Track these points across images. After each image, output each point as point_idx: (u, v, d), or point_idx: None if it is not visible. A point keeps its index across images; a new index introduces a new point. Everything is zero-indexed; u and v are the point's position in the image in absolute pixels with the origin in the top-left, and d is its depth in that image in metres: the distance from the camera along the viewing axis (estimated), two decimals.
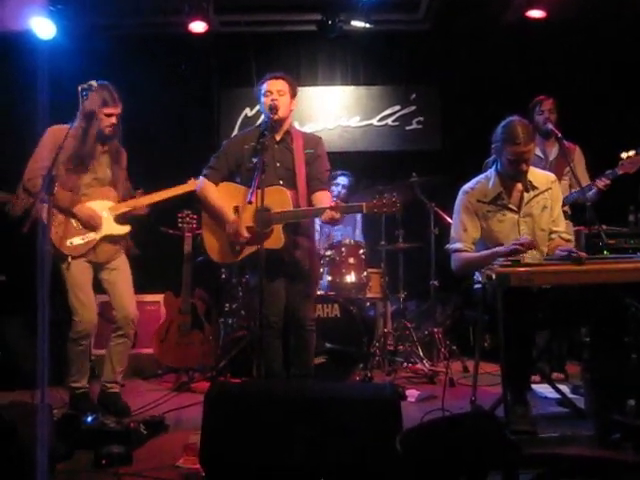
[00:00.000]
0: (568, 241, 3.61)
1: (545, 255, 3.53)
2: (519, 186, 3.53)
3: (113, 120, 3.88)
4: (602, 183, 4.28)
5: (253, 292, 4.18)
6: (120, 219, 3.96)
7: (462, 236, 3.53)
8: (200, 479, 2.62)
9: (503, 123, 3.46)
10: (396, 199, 3.46)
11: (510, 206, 3.51)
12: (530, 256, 3.40)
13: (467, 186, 3.62)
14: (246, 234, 3.66)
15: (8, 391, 4.18)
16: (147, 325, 5.24)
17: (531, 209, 3.53)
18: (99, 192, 3.93)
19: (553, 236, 3.58)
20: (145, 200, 4.00)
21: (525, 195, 3.53)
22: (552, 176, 3.67)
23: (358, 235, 5.87)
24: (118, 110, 3.89)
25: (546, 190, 3.57)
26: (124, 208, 3.95)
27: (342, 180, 5.75)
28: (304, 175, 3.76)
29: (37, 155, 3.81)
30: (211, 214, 3.83)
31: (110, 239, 3.94)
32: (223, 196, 3.81)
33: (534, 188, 3.54)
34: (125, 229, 3.99)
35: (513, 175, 3.48)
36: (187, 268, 4.92)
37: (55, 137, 3.74)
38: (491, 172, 3.59)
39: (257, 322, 3.50)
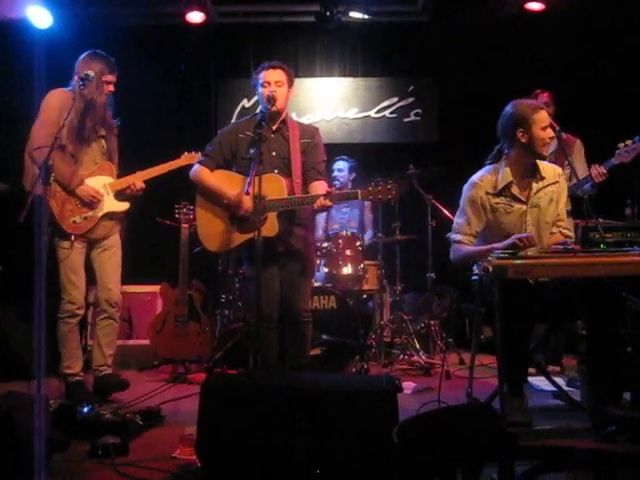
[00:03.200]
0: (568, 237, 3.61)
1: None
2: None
3: (111, 88, 3.90)
4: (595, 172, 4.27)
5: (248, 283, 4.17)
6: (119, 195, 3.96)
7: (465, 228, 3.50)
8: (196, 470, 2.62)
9: (509, 108, 3.45)
10: (392, 186, 3.42)
11: (519, 197, 3.47)
12: (531, 251, 3.40)
13: (476, 177, 3.55)
14: (250, 203, 3.57)
15: (5, 381, 4.18)
16: (143, 316, 5.25)
17: (539, 200, 3.50)
18: (98, 168, 3.93)
19: (554, 230, 3.57)
20: (141, 175, 3.98)
21: (534, 185, 3.50)
22: (559, 169, 3.64)
23: (367, 217, 5.86)
24: (115, 78, 3.90)
25: (554, 183, 3.54)
26: (123, 185, 3.95)
27: (340, 165, 5.75)
28: (300, 164, 3.75)
29: (42, 121, 3.78)
30: (208, 196, 3.80)
31: (110, 215, 3.94)
32: (219, 182, 3.79)
33: (542, 179, 3.51)
34: (125, 205, 3.99)
35: (542, 148, 3.42)
36: (184, 259, 4.91)
37: (59, 100, 3.73)
38: (500, 164, 3.53)
39: (253, 313, 3.49)
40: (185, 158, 4.09)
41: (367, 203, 5.86)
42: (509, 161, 3.50)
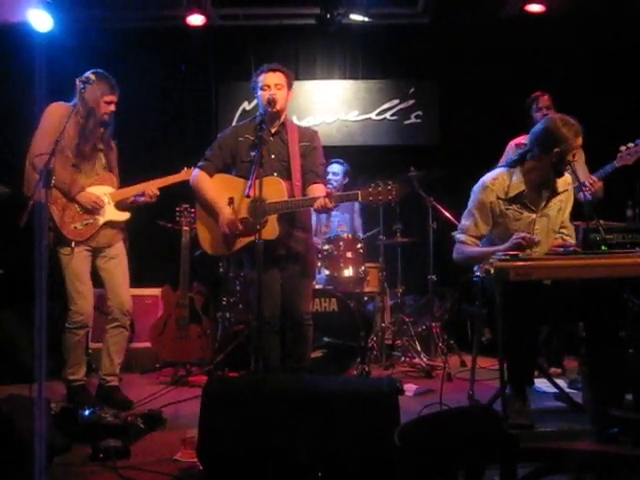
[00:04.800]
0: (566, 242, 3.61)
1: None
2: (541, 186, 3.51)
3: (112, 107, 3.91)
4: (589, 182, 4.26)
5: (249, 286, 4.17)
6: (120, 205, 3.96)
7: (471, 229, 3.50)
8: (198, 473, 2.62)
9: (551, 125, 3.37)
10: (392, 187, 3.41)
11: (529, 206, 3.47)
12: (537, 252, 3.41)
13: (488, 180, 3.51)
14: (241, 227, 3.64)
15: (6, 385, 4.18)
16: (145, 319, 5.24)
17: (549, 210, 3.50)
18: (99, 178, 3.93)
19: (557, 236, 3.58)
20: (139, 188, 3.99)
21: (545, 195, 3.49)
22: (569, 178, 3.59)
23: (357, 221, 5.87)
24: (117, 98, 3.92)
25: (563, 192, 3.54)
26: (124, 195, 3.96)
27: (335, 168, 5.72)
28: (299, 167, 3.74)
29: (43, 130, 3.79)
30: (204, 206, 3.81)
31: (111, 224, 3.95)
32: (218, 187, 3.78)
33: (554, 189, 3.50)
34: (125, 215, 4.00)
35: (564, 168, 3.41)
36: (185, 262, 4.92)
37: (59, 112, 3.75)
38: (516, 169, 3.49)
39: (254, 316, 3.49)
40: (185, 173, 4.08)
41: (356, 207, 5.87)
42: (527, 169, 3.47)
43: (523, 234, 3.28)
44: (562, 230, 3.61)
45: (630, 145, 4.18)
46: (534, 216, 3.48)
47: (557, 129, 3.35)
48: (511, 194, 3.45)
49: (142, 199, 3.98)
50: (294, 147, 3.76)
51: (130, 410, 3.70)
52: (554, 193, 3.51)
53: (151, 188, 3.97)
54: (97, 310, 4.05)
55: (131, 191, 3.97)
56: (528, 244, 3.24)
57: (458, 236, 3.55)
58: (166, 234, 5.25)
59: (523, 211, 3.47)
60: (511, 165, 3.54)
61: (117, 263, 3.98)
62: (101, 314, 4.20)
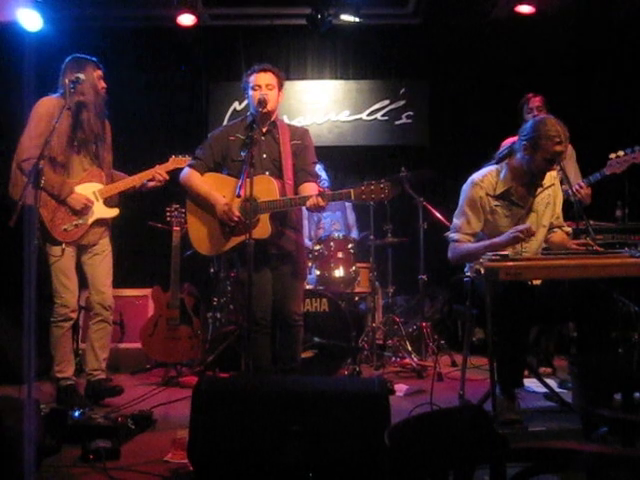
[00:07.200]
0: (568, 234, 3.63)
1: (541, 249, 3.55)
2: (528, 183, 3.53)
3: (103, 83, 3.92)
4: (577, 187, 4.29)
5: (240, 286, 4.16)
6: (109, 202, 3.95)
7: (464, 228, 3.51)
8: (188, 474, 2.61)
9: (538, 120, 3.39)
10: (384, 185, 3.41)
11: (517, 202, 3.49)
12: (528, 249, 3.42)
13: (477, 177, 3.54)
14: (238, 213, 3.61)
15: None
16: (135, 319, 5.23)
17: (537, 205, 3.53)
18: (87, 174, 3.91)
19: (556, 230, 3.60)
20: (127, 183, 3.98)
21: (531, 190, 3.51)
22: (554, 172, 3.62)
23: (350, 217, 5.87)
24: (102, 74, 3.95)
25: (550, 186, 3.57)
26: (113, 191, 3.95)
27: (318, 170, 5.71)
28: (290, 166, 3.74)
29: (31, 131, 3.75)
30: (198, 201, 3.79)
31: (99, 222, 3.93)
32: (209, 185, 3.78)
33: (541, 185, 3.53)
34: (114, 212, 3.99)
35: (538, 173, 3.42)
36: (175, 262, 4.90)
37: (48, 109, 3.73)
38: (502, 165, 3.53)
39: (245, 317, 3.48)
40: (173, 161, 4.09)
41: (348, 203, 5.85)
42: (512, 166, 3.50)
43: (521, 227, 3.29)
44: (559, 224, 3.63)
45: (620, 154, 4.20)
46: (523, 212, 3.51)
47: (535, 125, 3.36)
48: (499, 191, 3.49)
49: (151, 184, 4.00)
50: (285, 146, 3.76)
51: (120, 394, 3.79)
52: (540, 188, 3.53)
53: (160, 172, 4.00)
54: (86, 310, 4.03)
55: (119, 187, 3.96)
56: (526, 236, 3.26)
57: (452, 235, 3.56)
58: (157, 234, 5.23)
59: (512, 207, 3.50)
60: (499, 161, 3.57)
61: (101, 259, 3.97)
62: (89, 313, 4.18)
